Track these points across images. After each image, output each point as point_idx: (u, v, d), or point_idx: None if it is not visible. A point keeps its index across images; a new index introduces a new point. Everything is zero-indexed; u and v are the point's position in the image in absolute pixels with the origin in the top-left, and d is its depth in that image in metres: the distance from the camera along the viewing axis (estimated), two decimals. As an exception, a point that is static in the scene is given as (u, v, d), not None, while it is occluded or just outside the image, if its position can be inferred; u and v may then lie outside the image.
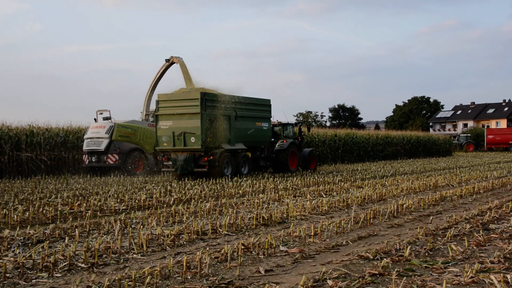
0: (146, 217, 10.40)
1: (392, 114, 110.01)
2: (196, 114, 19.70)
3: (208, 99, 20.12)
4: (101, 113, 24.69)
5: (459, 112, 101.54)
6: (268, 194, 14.58)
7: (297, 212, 10.96)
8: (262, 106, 23.24)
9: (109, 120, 24.06)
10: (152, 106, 25.24)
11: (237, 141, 21.35)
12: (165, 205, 12.44)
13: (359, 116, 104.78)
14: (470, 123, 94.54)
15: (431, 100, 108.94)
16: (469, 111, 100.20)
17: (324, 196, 14.18)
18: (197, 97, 19.83)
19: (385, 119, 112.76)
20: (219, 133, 20.36)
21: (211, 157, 19.97)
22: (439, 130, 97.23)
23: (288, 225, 9.50)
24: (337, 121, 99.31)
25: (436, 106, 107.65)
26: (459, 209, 11.62)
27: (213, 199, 13.65)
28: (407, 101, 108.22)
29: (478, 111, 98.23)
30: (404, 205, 11.52)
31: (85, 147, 23.91)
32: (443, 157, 46.52)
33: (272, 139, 24.09)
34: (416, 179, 19.20)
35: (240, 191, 15.12)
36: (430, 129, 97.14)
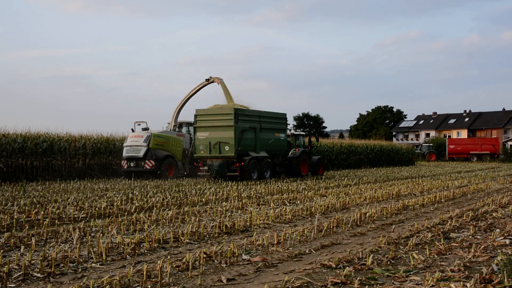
0: (106, 225, 10.25)
1: (356, 123, 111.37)
2: (230, 127, 23.06)
3: (240, 114, 23.57)
4: (139, 124, 27.97)
5: (421, 122, 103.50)
6: (231, 202, 14.54)
7: (260, 220, 10.95)
8: (280, 119, 26.68)
9: (147, 130, 27.18)
10: (180, 118, 29.27)
11: (261, 150, 24.79)
12: (126, 213, 12.28)
13: (324, 124, 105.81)
14: (432, 133, 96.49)
15: (394, 109, 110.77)
16: (431, 121, 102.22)
17: (288, 204, 14.21)
18: (231, 112, 23.26)
19: (349, 128, 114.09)
20: (247, 143, 23.84)
21: (242, 163, 23.39)
22: (402, 139, 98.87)
23: (251, 234, 9.49)
24: (301, 130, 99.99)
25: (399, 116, 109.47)
26: (421, 218, 11.81)
27: (176, 207, 13.54)
28: (370, 111, 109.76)
29: (440, 121, 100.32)
30: (367, 214, 11.65)
31: (124, 154, 26.81)
32: (405, 166, 47.27)
33: (286, 148, 27.23)
34: (379, 188, 19.45)
35: (203, 199, 15.04)
36: (393, 138, 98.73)
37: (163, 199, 14.88)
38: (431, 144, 74.73)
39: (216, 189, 18.28)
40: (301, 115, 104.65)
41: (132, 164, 26.50)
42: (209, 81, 28.64)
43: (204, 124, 23.77)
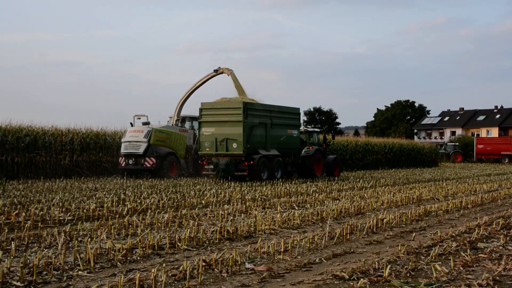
0: (95, 229, 10.26)
1: (373, 119, 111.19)
2: (239, 122, 23.32)
3: (249, 108, 23.89)
4: (139, 118, 28.23)
5: (446, 118, 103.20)
6: (234, 205, 14.55)
7: (266, 225, 10.95)
8: (293, 115, 27.16)
9: (147, 125, 27.38)
10: (183, 112, 29.68)
11: (272, 147, 25.09)
12: (117, 216, 12.29)
13: (337, 120, 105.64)
14: (459, 131, 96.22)
15: (416, 104, 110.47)
16: (458, 117, 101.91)
17: (297, 208, 14.21)
18: (239, 106, 23.50)
19: (365, 125, 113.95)
20: (257, 140, 24.16)
21: (251, 162, 23.59)
22: (424, 138, 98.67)
23: (255, 240, 9.49)
24: (313, 126, 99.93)
25: (422, 112, 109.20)
26: (444, 226, 11.77)
27: (172, 209, 13.57)
28: (389, 105, 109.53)
29: (467, 118, 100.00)
30: (385, 220, 11.62)
31: (123, 150, 27.14)
32: (428, 168, 47.18)
33: (299, 146, 27.65)
34: (398, 192, 19.41)
35: (203, 201, 15.06)
36: (415, 136, 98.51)
37: (158, 201, 14.89)
38: (457, 144, 74.49)
39: (217, 190, 18.29)
40: (312, 109, 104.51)
41: (130, 162, 26.75)
42: (217, 72, 28.75)
43: (210, 119, 23.96)
